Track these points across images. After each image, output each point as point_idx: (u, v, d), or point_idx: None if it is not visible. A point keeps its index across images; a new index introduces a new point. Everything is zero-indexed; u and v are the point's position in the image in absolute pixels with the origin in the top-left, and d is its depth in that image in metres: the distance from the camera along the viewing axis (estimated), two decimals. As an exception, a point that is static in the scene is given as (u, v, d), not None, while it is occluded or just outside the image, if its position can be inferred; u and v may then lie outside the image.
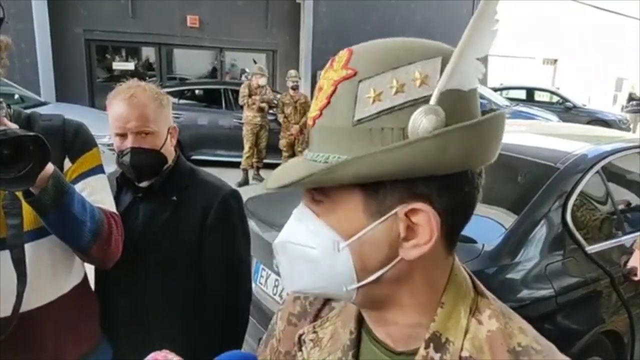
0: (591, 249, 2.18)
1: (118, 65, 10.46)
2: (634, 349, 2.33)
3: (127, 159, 1.39)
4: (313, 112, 0.54)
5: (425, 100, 0.49)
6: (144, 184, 1.48)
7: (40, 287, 1.15)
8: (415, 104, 0.49)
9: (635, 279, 2.22)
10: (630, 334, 2.28)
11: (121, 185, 1.51)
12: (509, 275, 1.97)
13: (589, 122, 11.05)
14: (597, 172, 2.36)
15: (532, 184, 2.28)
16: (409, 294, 0.55)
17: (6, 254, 1.07)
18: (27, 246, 1.10)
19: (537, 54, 17.49)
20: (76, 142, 1.22)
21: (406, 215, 0.51)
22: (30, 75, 8.67)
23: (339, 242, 0.53)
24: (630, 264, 2.25)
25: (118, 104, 1.39)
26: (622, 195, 2.62)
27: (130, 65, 10.60)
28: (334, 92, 0.52)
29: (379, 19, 11.42)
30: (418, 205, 0.51)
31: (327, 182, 0.51)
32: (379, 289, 0.54)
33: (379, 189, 0.51)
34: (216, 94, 8.45)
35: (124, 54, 10.88)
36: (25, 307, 1.10)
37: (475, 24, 0.49)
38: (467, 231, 2.04)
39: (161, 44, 10.61)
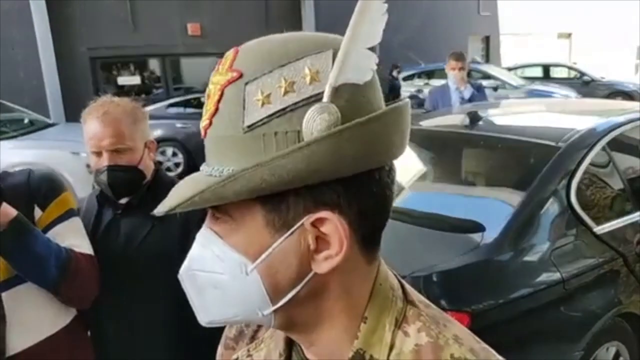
0: (600, 229, 2.10)
1: (124, 80, 10.55)
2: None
3: (103, 177, 1.38)
4: (203, 121, 0.50)
5: (318, 98, 0.45)
6: (123, 201, 1.47)
7: (25, 330, 1.22)
8: (308, 103, 0.45)
9: (652, 257, 2.11)
10: (652, 314, 2.18)
11: (102, 202, 1.51)
12: (512, 264, 1.91)
13: (608, 95, 10.74)
14: (603, 148, 2.26)
15: (533, 166, 2.20)
16: (328, 310, 0.52)
17: None
18: (4, 295, 1.18)
19: (550, 29, 17.08)
20: (40, 190, 1.29)
21: (314, 225, 0.47)
22: (38, 98, 8.79)
23: (246, 264, 0.49)
24: (645, 242, 2.14)
25: (91, 121, 1.37)
26: (634, 170, 2.50)
27: (136, 79, 10.70)
28: (220, 97, 0.47)
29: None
30: (323, 214, 0.47)
31: (215, 201, 0.46)
32: (296, 309, 0.51)
33: (281, 200, 0.47)
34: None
35: (132, 68, 10.99)
36: (12, 350, 1.19)
37: (362, 12, 0.46)
38: (469, 216, 1.95)
39: (165, 55, 10.69)
